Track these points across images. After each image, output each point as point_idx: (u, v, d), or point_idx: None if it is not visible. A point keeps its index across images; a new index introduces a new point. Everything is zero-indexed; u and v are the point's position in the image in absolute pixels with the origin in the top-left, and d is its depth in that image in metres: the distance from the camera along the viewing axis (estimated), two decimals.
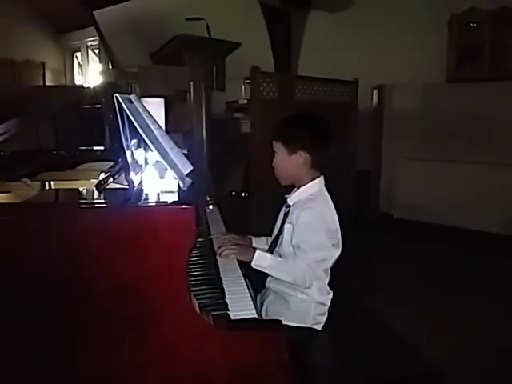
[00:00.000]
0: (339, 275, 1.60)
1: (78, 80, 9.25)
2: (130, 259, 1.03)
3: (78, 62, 9.24)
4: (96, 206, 1.16)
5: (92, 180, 1.49)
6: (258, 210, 3.53)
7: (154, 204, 1.12)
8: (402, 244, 4.31)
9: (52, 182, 1.53)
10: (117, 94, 1.20)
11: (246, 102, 4.43)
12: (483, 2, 4.14)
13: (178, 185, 1.24)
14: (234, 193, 3.95)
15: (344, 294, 1.64)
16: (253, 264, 1.49)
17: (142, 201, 1.12)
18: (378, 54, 4.81)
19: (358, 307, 1.80)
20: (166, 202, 1.11)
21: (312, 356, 1.44)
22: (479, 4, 4.17)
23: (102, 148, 2.32)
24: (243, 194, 3.86)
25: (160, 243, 1.03)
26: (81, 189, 1.47)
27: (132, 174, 1.20)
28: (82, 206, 1.15)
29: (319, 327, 1.55)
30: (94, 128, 2.48)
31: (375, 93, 4.83)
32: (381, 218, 4.88)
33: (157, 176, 1.30)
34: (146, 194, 1.18)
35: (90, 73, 8.87)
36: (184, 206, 1.05)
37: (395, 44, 4.72)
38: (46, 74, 8.74)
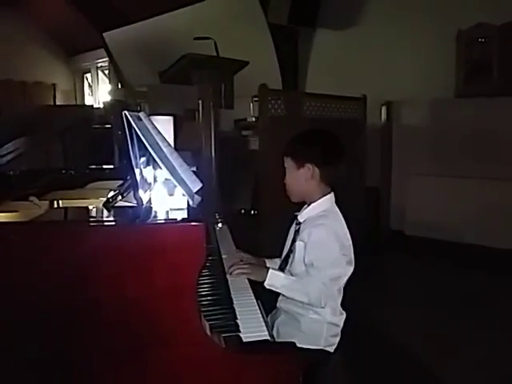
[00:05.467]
0: (351, 294, 1.56)
1: (88, 101, 9.39)
2: (139, 278, 1.00)
3: (88, 83, 9.39)
4: (104, 223, 1.14)
5: (101, 199, 1.47)
6: (267, 228, 3.50)
7: (162, 221, 1.09)
8: (414, 261, 4.23)
9: (61, 201, 1.51)
10: (126, 112, 1.19)
11: (254, 119, 4.45)
12: (491, 17, 4.14)
13: (188, 202, 1.21)
14: (243, 210, 3.92)
15: (357, 314, 1.59)
16: (266, 284, 1.44)
17: (151, 218, 1.10)
18: (386, 70, 4.82)
19: (371, 328, 1.75)
20: (175, 219, 1.08)
21: (325, 380, 1.39)
22: (487, 19, 4.18)
23: (111, 166, 2.32)
24: (252, 212, 3.83)
25: (170, 262, 1.00)
26: (90, 207, 1.45)
27: (141, 192, 1.18)
28: (91, 224, 1.13)
29: (332, 349, 1.50)
30: (103, 147, 2.49)
31: (384, 109, 4.82)
32: (392, 235, 4.82)
33: (166, 193, 1.28)
34: (155, 212, 1.16)
35: (100, 93, 9.00)
36: (194, 223, 1.02)
37: (403, 60, 4.73)
38: (57, 95, 8.89)
